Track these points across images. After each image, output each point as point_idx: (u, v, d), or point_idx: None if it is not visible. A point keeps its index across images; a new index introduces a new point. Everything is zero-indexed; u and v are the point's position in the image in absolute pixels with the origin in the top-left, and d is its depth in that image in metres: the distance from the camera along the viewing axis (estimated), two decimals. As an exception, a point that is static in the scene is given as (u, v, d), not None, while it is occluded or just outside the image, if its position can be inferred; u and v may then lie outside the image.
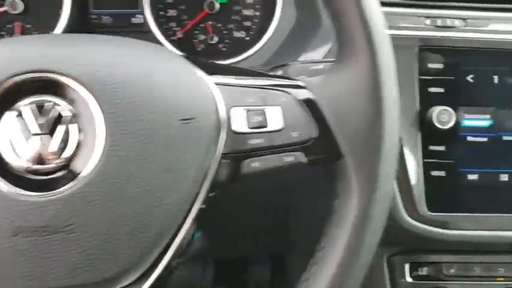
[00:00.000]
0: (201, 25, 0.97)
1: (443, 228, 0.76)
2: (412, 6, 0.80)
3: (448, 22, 0.79)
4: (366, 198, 0.50)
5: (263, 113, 0.52)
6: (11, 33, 0.95)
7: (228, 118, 0.52)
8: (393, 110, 0.50)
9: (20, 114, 0.47)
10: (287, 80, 0.55)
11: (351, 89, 0.51)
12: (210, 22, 0.97)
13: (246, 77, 0.56)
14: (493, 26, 0.80)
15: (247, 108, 0.52)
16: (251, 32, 0.98)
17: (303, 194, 0.77)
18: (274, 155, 0.52)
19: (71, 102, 0.48)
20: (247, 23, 0.98)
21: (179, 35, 0.97)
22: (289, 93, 0.53)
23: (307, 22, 0.86)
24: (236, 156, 0.52)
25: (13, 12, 0.93)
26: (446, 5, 0.81)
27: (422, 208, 0.76)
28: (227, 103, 0.52)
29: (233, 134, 0.52)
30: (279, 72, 0.71)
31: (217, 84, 0.54)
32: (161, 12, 0.97)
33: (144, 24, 0.96)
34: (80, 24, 0.95)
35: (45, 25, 0.95)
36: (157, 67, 0.52)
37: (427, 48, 0.78)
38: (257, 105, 0.53)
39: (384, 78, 0.50)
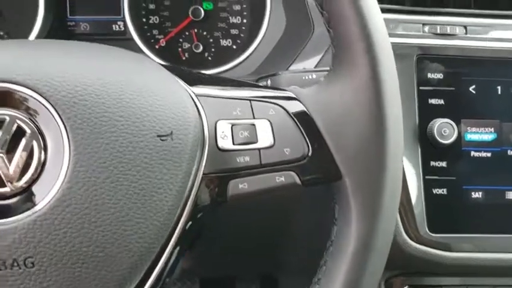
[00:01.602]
0: (186, 33, 0.92)
1: (445, 250, 0.71)
2: (409, 12, 0.76)
3: (448, 29, 0.74)
4: (367, 227, 0.44)
5: (250, 127, 0.47)
6: (-19, 41, 0.89)
7: (212, 133, 0.46)
8: (397, 126, 0.45)
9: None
10: (276, 91, 0.50)
11: (347, 101, 0.46)
12: (194, 30, 0.92)
13: (231, 88, 0.50)
14: (494, 34, 0.75)
15: (232, 122, 0.47)
16: (238, 41, 0.92)
17: (297, 217, 0.71)
18: (264, 174, 0.46)
19: (32, 116, 0.42)
20: (234, 31, 0.92)
21: (162, 43, 0.92)
22: (279, 105, 0.48)
23: (297, 29, 0.81)
24: (221, 176, 0.46)
25: (-16, 19, 0.87)
26: (446, 11, 0.76)
27: (423, 229, 0.70)
28: (211, 116, 0.47)
29: (218, 151, 0.46)
30: (268, 82, 0.65)
31: (199, 95, 0.48)
32: (143, 19, 0.91)
33: (125, 31, 0.91)
34: (57, 32, 0.89)
35: (20, 32, 0.89)
36: (132, 76, 0.46)
37: (426, 57, 0.73)
38: (244, 119, 0.47)
39: (386, 90, 0.44)
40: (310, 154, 0.46)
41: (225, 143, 0.46)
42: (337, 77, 0.47)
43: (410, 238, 0.70)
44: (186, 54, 0.92)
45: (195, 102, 0.47)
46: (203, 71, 0.84)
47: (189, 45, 0.92)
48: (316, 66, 0.74)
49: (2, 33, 0.90)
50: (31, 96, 0.42)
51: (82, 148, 0.41)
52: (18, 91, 0.42)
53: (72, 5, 0.91)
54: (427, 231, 0.70)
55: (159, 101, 0.45)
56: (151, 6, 0.91)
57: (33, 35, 0.86)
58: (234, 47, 0.92)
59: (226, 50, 0.92)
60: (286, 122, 0.47)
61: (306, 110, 0.47)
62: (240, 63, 0.86)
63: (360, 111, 0.45)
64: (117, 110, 0.43)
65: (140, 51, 0.88)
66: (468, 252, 0.71)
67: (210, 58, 0.92)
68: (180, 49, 0.92)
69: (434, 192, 0.71)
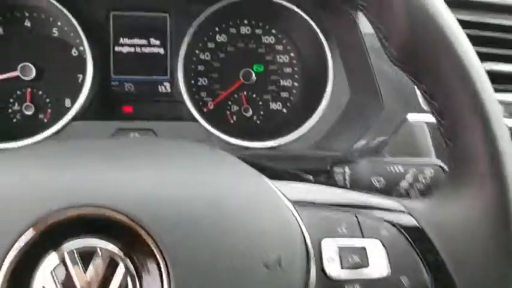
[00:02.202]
0: (235, 95, 0.88)
1: None
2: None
3: (524, 109, 0.70)
4: None
5: (361, 251, 0.42)
6: (21, 100, 0.84)
7: (318, 256, 0.41)
8: None
9: (62, 264, 0.36)
10: (381, 200, 0.45)
11: (470, 225, 0.41)
12: (244, 92, 0.87)
13: (325, 189, 0.46)
14: None
15: (339, 245, 0.42)
16: (288, 104, 0.88)
17: None
18: None
19: (125, 247, 0.37)
20: (285, 94, 0.88)
21: (210, 106, 0.87)
22: (390, 223, 0.43)
23: (362, 102, 0.76)
24: None
25: (25, 78, 0.82)
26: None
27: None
28: (315, 234, 0.42)
29: (325, 278, 0.41)
30: (346, 170, 0.61)
31: (295, 203, 0.43)
32: (192, 81, 0.87)
33: (172, 93, 0.86)
34: (101, 92, 0.84)
35: (60, 92, 0.85)
36: (227, 188, 0.41)
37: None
38: (351, 237, 0.42)
39: None
40: (431, 285, 0.41)
41: (332, 268, 0.41)
42: (456, 194, 0.43)
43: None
44: (234, 117, 0.88)
45: (294, 216, 0.42)
46: (260, 143, 0.79)
47: (237, 108, 0.88)
48: (380, 144, 0.70)
49: (40, 92, 0.85)
50: (125, 224, 0.37)
51: (183, 283, 0.36)
52: (109, 217, 0.37)
53: (117, 65, 0.86)
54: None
55: (260, 219, 0.40)
56: (201, 68, 0.87)
57: (82, 96, 0.80)
58: (284, 110, 0.88)
59: (276, 114, 0.88)
60: (402, 244, 0.42)
61: (422, 229, 0.42)
62: (300, 136, 0.80)
63: (485, 238, 0.40)
64: (218, 236, 0.38)
65: (190, 114, 0.83)
66: None
67: (258, 122, 0.88)
68: (228, 112, 0.88)
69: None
